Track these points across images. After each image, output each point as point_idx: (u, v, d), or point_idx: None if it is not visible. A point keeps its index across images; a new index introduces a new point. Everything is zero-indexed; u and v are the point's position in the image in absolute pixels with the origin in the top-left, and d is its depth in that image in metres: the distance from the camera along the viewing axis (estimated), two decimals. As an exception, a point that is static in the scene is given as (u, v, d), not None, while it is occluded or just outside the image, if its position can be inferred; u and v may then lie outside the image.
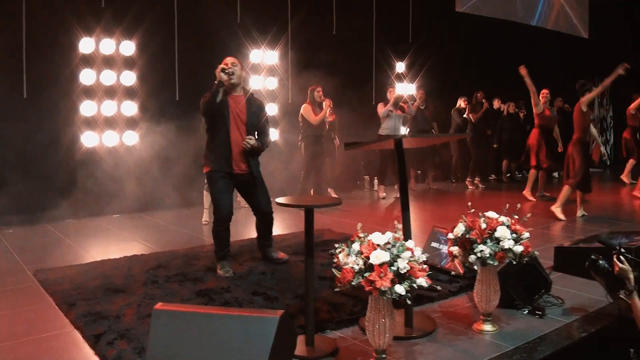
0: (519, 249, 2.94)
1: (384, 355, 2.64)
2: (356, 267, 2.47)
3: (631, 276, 3.08)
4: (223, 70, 4.08)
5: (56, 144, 6.78)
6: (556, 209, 6.61)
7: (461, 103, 9.95)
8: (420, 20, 10.65)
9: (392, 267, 2.44)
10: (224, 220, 4.29)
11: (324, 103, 7.42)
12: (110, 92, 7.18)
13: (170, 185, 7.49)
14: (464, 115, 9.83)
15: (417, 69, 10.37)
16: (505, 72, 11.21)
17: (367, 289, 2.45)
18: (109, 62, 7.15)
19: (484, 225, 2.99)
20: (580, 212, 6.80)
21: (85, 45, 6.95)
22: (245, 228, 6.06)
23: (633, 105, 9.81)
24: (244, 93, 4.40)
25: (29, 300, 3.79)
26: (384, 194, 8.64)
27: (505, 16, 12.34)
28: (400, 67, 10.35)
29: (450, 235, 3.11)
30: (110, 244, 5.55)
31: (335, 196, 8.56)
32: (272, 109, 8.62)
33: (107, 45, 7.10)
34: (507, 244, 2.92)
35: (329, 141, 8.42)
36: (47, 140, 6.73)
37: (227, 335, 2.32)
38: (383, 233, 2.54)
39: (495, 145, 10.43)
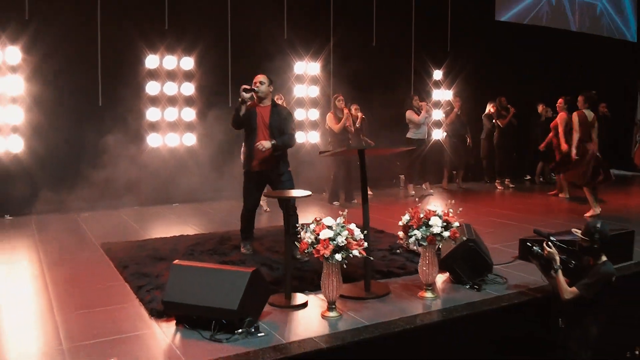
0: (446, 234, 3.87)
1: (333, 306, 3.67)
2: (309, 240, 3.50)
3: (557, 258, 3.95)
4: (245, 90, 5.12)
5: (126, 144, 8.09)
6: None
7: (490, 108, 10.62)
8: (459, 28, 11.38)
9: (333, 241, 3.45)
10: (247, 210, 5.38)
11: (344, 110, 8.38)
12: (172, 101, 8.49)
13: (221, 179, 8.64)
14: (493, 120, 10.53)
15: (453, 76, 11.13)
16: (544, 77, 11.85)
17: (315, 255, 3.47)
18: (171, 75, 8.46)
19: (422, 215, 3.93)
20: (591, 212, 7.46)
21: (151, 61, 8.28)
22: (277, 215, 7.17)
23: None
24: (271, 104, 5.31)
25: (97, 263, 5.07)
26: (414, 191, 9.52)
27: (546, 24, 12.84)
28: (438, 74, 11.15)
29: (400, 223, 4.06)
30: (164, 226, 6.82)
31: (370, 193, 9.53)
32: (313, 115, 9.69)
33: (170, 61, 8.40)
34: (437, 230, 3.85)
35: (358, 141, 9.34)
36: (118, 141, 8.03)
37: (217, 282, 3.43)
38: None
39: (541, 148, 10.68)
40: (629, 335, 4.61)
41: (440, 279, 4.49)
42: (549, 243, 4.06)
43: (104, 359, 3.04)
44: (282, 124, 5.20)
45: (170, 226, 6.87)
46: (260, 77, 5.28)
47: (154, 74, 8.34)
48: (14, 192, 7.41)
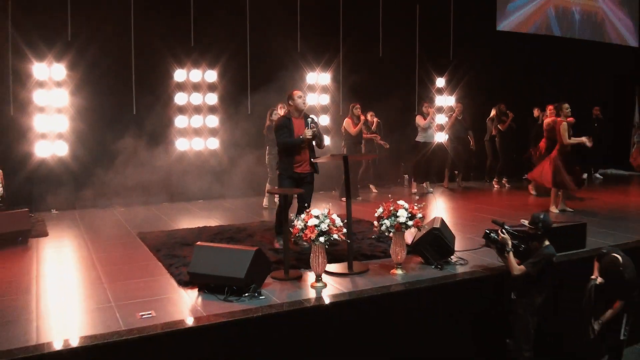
0: (410, 223, 4.87)
1: (320, 278, 4.70)
2: (300, 227, 4.53)
3: (509, 242, 4.90)
4: (313, 134, 5.80)
5: (157, 148, 9.23)
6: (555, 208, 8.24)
7: (493, 111, 11.49)
8: (461, 38, 12.29)
9: (318, 227, 4.47)
10: (284, 208, 6.15)
11: (360, 117, 9.43)
12: (197, 109, 9.61)
13: (241, 179, 9.72)
14: (497, 125, 11.40)
15: (455, 83, 12.05)
16: (542, 82, 12.69)
17: (304, 238, 4.51)
18: (196, 87, 9.57)
19: (392, 208, 4.93)
20: (560, 207, 8.34)
21: (179, 75, 9.41)
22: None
23: None
24: (303, 116, 6.05)
25: (134, 248, 6.18)
26: (416, 189, 10.48)
27: (545, 31, 13.66)
28: (441, 82, 12.08)
29: (376, 214, 5.07)
30: (190, 219, 7.92)
31: (375, 191, 10.56)
32: (324, 120, 10.72)
33: (195, 75, 9.51)
34: (402, 219, 4.85)
35: (370, 144, 10.35)
36: (150, 145, 9.17)
37: (229, 257, 4.49)
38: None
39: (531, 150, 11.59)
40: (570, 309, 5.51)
41: (412, 261, 5.48)
42: (503, 230, 5.02)
43: (144, 312, 4.11)
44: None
45: (195, 219, 7.96)
46: (300, 93, 6.08)
47: (181, 86, 9.47)
48: (59, 190, 8.62)
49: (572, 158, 8.39)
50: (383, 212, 4.97)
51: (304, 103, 5.98)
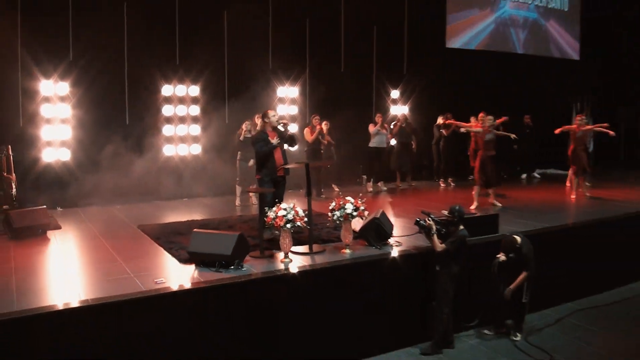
0: (355, 213, 6.45)
1: (287, 255, 6.25)
2: (272, 216, 6.08)
3: (434, 227, 6.49)
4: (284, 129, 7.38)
5: (147, 153, 10.64)
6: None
7: (439, 119, 13.19)
8: (413, 54, 13.96)
9: (285, 217, 6.02)
10: (269, 206, 7.56)
11: (317, 126, 10.98)
12: (182, 119, 11.06)
13: (220, 179, 11.18)
14: (441, 130, 13.11)
15: (408, 94, 13.72)
16: (484, 94, 14.43)
17: (276, 225, 6.06)
18: (181, 100, 11.02)
19: (341, 202, 6.50)
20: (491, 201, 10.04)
21: (166, 89, 10.85)
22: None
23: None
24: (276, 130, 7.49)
25: (137, 237, 7.65)
26: (371, 188, 12.09)
27: (491, 48, 15.44)
28: (395, 93, 13.74)
29: (329, 207, 6.63)
30: (179, 214, 9.37)
31: (337, 190, 12.13)
32: (293, 128, 12.25)
33: (180, 89, 10.96)
34: (349, 211, 6.43)
35: (328, 149, 11.88)
36: (141, 151, 10.58)
37: (219, 240, 6.01)
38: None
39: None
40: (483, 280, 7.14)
41: (358, 243, 7.06)
42: (429, 218, 6.61)
43: (157, 278, 5.60)
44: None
45: (182, 214, 9.42)
46: (274, 112, 7.63)
47: (168, 99, 10.91)
48: (63, 190, 9.97)
49: (490, 161, 10.00)
50: (335, 205, 6.55)
51: (276, 120, 7.49)
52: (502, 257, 6.83)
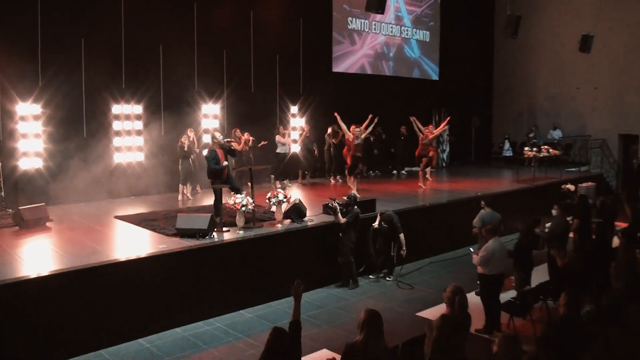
0: (284, 200, 9.78)
1: (240, 228, 9.44)
2: (231, 202, 9.25)
3: (338, 208, 9.90)
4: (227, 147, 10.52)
5: (101, 161, 13.18)
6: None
7: (329, 130, 16.74)
8: (308, 76, 17.44)
9: (241, 203, 9.21)
10: (220, 201, 10.58)
11: (241, 138, 14.11)
12: (130, 132, 13.71)
13: (160, 180, 13.98)
14: (332, 139, 16.67)
15: (304, 109, 17.20)
16: (366, 108, 18.22)
17: (234, 209, 9.22)
18: (128, 117, 13.67)
19: (274, 192, 9.79)
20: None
21: (116, 108, 13.44)
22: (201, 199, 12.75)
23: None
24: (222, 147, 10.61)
25: (120, 224, 10.42)
26: (279, 185, 15.38)
27: (369, 72, 19.34)
28: (294, 109, 17.15)
29: (267, 196, 9.88)
30: (136, 208, 12.11)
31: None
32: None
33: (127, 108, 13.60)
34: (280, 198, 9.73)
35: (246, 155, 15.00)
36: (96, 159, 13.09)
37: (198, 219, 9.10)
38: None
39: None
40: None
41: (285, 221, 10.34)
42: (334, 203, 10.03)
43: (161, 245, 8.55)
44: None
45: (139, 207, 12.16)
46: (219, 134, 10.71)
47: (117, 116, 13.51)
48: (37, 192, 12.26)
49: (358, 159, 13.64)
50: (271, 195, 9.83)
51: (222, 139, 10.58)
52: (376, 225, 10.44)
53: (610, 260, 8.08)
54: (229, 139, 10.84)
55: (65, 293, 7.29)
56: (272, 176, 16.24)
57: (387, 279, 10.49)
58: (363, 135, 13.71)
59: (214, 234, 9.17)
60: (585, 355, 5.23)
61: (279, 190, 9.88)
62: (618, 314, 6.88)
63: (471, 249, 8.39)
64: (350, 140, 13.55)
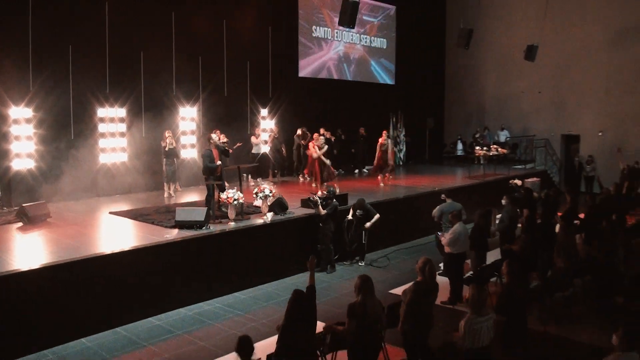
0: (270, 195, 10.98)
1: (232, 220, 10.58)
2: (224, 197, 10.38)
3: (318, 202, 11.16)
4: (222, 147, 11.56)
5: (88, 162, 14.03)
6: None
7: (298, 131, 17.96)
8: (276, 80, 18.61)
9: (233, 197, 10.36)
10: (212, 197, 11.66)
11: (220, 138, 15.18)
12: (114, 134, 14.58)
13: (142, 179, 14.91)
14: (301, 140, 17.88)
15: (274, 112, 18.38)
16: (330, 111, 19.57)
17: (227, 203, 10.36)
18: (112, 120, 14.54)
19: (261, 188, 10.98)
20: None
21: (101, 112, 14.30)
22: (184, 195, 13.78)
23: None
24: (217, 147, 11.78)
25: (117, 219, 11.38)
26: (253, 182, 16.51)
27: (332, 76, 20.67)
28: (264, 112, 18.31)
29: (254, 192, 11.05)
30: (125, 205, 13.04)
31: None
32: (192, 140, 16.25)
33: (111, 111, 14.47)
34: (267, 192, 10.93)
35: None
36: (83, 160, 13.91)
37: (195, 211, 10.20)
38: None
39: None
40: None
41: (271, 215, 11.52)
42: (314, 196, 11.28)
43: (166, 234, 9.61)
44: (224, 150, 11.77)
45: (128, 205, 13.09)
46: (214, 135, 11.80)
47: (102, 119, 14.37)
48: (29, 191, 13.04)
49: (321, 162, 14.93)
50: (258, 190, 11.02)
51: (219, 139, 11.67)
52: (350, 217, 11.76)
53: (553, 242, 9.69)
54: (224, 141, 11.91)
55: (90, 277, 8.31)
56: (248, 175, 17.39)
57: (360, 263, 11.81)
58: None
59: (210, 225, 10.27)
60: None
61: (265, 185, 11.09)
62: (562, 286, 8.46)
63: (439, 233, 9.88)
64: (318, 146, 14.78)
